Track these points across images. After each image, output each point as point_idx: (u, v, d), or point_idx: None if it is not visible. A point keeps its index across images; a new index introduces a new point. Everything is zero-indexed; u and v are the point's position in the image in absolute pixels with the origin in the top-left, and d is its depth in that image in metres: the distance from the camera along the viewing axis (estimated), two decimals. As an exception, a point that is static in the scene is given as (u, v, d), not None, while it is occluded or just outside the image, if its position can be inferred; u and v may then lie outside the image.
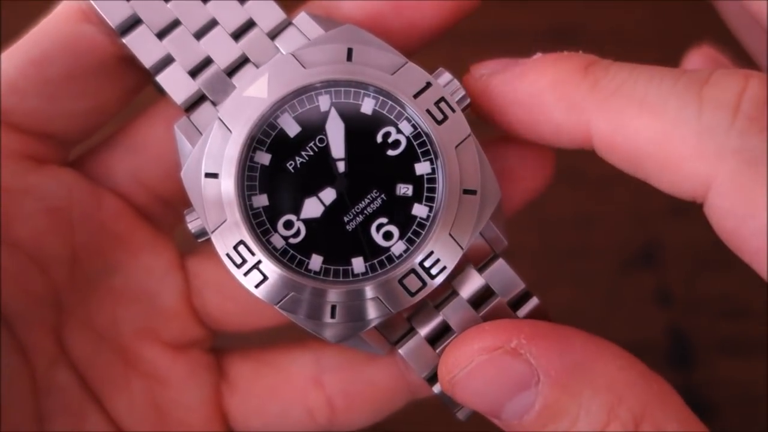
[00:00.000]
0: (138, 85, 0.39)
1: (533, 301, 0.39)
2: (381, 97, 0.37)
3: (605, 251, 0.62)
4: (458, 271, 0.38)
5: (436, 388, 0.38)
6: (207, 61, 0.38)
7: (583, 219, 0.63)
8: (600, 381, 0.32)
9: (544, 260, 0.62)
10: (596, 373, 0.33)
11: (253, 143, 0.37)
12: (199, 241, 0.37)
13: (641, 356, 0.61)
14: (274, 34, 0.38)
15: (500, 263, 0.39)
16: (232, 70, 0.38)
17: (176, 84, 0.37)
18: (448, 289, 0.38)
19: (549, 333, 0.33)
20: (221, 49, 0.38)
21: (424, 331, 0.38)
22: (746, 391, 0.60)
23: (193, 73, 0.38)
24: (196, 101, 0.38)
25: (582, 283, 0.62)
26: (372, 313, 0.37)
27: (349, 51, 0.37)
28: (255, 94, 0.36)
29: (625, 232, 0.63)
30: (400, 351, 0.38)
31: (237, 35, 0.38)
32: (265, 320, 0.41)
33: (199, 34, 0.38)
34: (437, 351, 0.38)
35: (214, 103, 0.38)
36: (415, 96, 0.36)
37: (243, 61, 0.38)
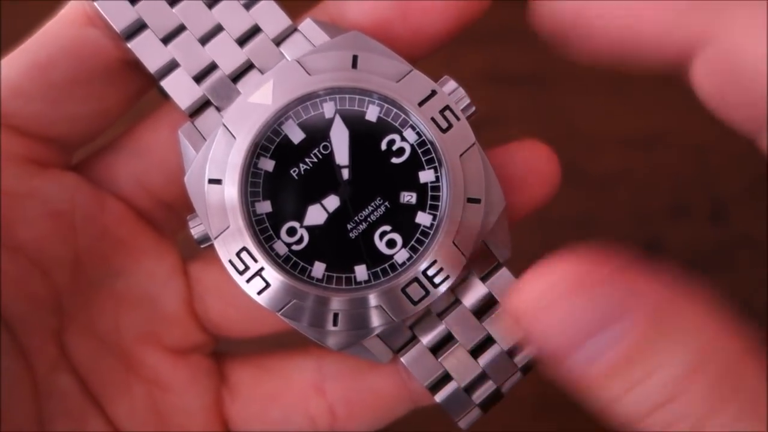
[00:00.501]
0: (141, 89, 0.39)
1: None
2: (386, 105, 0.37)
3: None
4: (461, 280, 0.38)
5: (438, 397, 0.38)
6: (212, 67, 0.38)
7: (583, 219, 0.63)
8: (690, 328, 0.28)
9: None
10: (687, 321, 0.28)
11: (257, 150, 0.36)
12: (202, 247, 0.37)
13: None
14: (279, 40, 0.38)
15: (504, 272, 0.38)
16: (237, 76, 0.38)
17: (181, 89, 0.37)
18: (451, 298, 0.38)
19: (641, 269, 0.29)
20: (226, 54, 0.37)
21: (426, 339, 0.38)
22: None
23: (198, 78, 0.37)
24: (201, 107, 0.38)
25: (582, 283, 0.62)
26: (374, 321, 0.37)
27: (354, 58, 0.36)
28: (259, 100, 0.36)
29: (625, 232, 0.63)
30: (402, 359, 0.38)
31: (242, 41, 0.38)
32: (267, 327, 0.41)
33: (204, 40, 0.37)
34: (439, 360, 0.38)
35: (218, 109, 0.37)
36: (420, 104, 0.36)
37: (248, 67, 0.38)
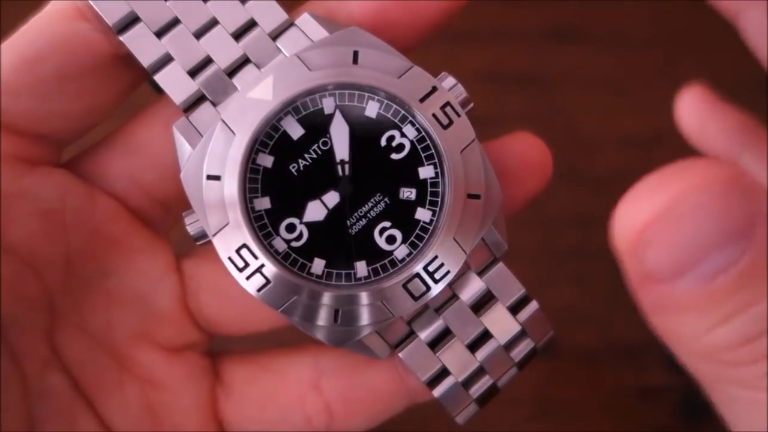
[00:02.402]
0: (133, 84, 0.38)
1: (532, 305, 0.39)
2: (386, 101, 0.37)
3: (605, 251, 0.61)
4: (458, 276, 0.38)
5: (436, 392, 0.39)
6: (207, 61, 0.37)
7: (583, 219, 0.63)
8: None
9: (544, 260, 0.62)
10: None
11: (256, 145, 0.36)
12: (198, 244, 0.37)
13: (641, 356, 0.62)
14: (275, 35, 0.37)
15: (500, 267, 0.39)
16: (233, 71, 0.37)
17: (175, 84, 0.37)
18: (449, 293, 0.38)
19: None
20: (222, 48, 0.37)
21: (424, 334, 0.38)
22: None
23: (193, 72, 0.37)
24: (196, 101, 0.37)
25: (582, 283, 0.62)
26: (374, 317, 0.37)
27: (355, 54, 0.36)
28: (259, 96, 0.36)
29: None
30: (401, 355, 0.38)
31: (238, 35, 0.37)
32: (263, 323, 0.41)
33: (199, 34, 0.37)
34: (437, 354, 0.38)
35: (214, 104, 0.37)
36: (422, 100, 0.36)
37: (244, 62, 0.37)
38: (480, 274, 0.39)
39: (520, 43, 0.67)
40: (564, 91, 0.66)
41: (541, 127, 0.59)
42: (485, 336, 0.39)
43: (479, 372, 0.39)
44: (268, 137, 0.36)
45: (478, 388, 0.39)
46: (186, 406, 0.40)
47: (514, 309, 0.39)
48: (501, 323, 0.39)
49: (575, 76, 0.67)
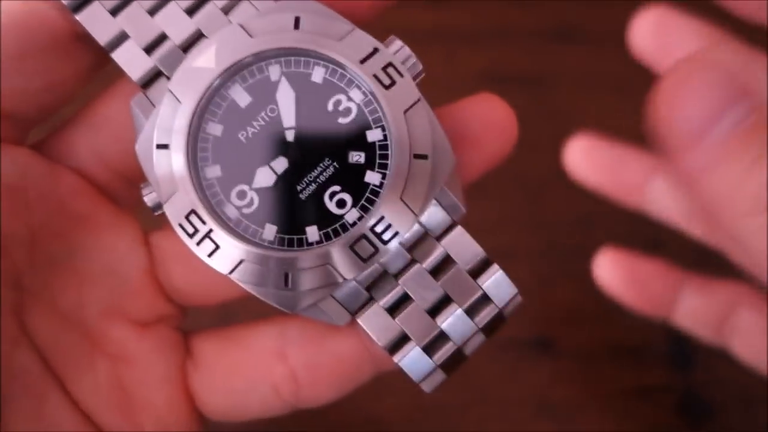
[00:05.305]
0: (95, 63, 0.39)
1: (494, 269, 0.38)
2: (331, 66, 0.37)
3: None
4: (417, 241, 0.38)
5: (397, 358, 0.38)
6: (162, 38, 0.38)
7: (583, 219, 0.63)
8: None
9: (544, 260, 0.62)
10: None
11: (204, 114, 0.37)
12: (156, 214, 0.37)
13: (642, 356, 0.61)
14: (228, 9, 0.38)
15: (458, 231, 0.38)
16: (188, 46, 0.38)
17: (132, 61, 0.38)
18: (407, 259, 0.38)
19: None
20: (176, 24, 0.38)
21: (383, 300, 0.38)
22: (746, 391, 0.59)
23: (149, 49, 0.38)
24: (152, 77, 0.38)
25: (582, 283, 0.61)
26: (326, 280, 0.37)
27: (297, 19, 0.37)
28: (203, 64, 0.37)
29: (625, 231, 0.63)
30: (359, 320, 0.38)
31: (191, 11, 0.38)
32: (232, 291, 0.40)
33: (153, 11, 0.38)
34: (396, 320, 0.38)
35: (169, 79, 0.38)
36: (362, 61, 0.36)
37: (198, 37, 0.38)
38: (438, 238, 0.38)
39: (520, 43, 0.68)
40: (564, 91, 0.66)
41: (541, 127, 0.59)
42: (445, 301, 0.38)
43: (441, 337, 0.38)
44: (216, 106, 0.37)
45: (441, 355, 0.38)
46: (157, 380, 0.41)
47: (475, 273, 0.38)
48: (460, 287, 0.38)
49: (575, 76, 0.67)
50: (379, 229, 0.36)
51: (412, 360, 0.38)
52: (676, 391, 0.59)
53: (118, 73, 0.39)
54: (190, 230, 0.36)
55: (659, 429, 0.59)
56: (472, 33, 0.65)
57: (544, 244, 0.62)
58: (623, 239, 0.60)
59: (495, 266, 0.38)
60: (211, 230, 0.36)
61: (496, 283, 0.38)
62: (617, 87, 0.66)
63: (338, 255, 0.36)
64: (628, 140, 0.57)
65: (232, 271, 0.36)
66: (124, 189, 0.41)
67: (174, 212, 0.36)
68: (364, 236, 0.36)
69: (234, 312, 0.43)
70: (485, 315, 0.38)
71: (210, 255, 0.36)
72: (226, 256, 0.36)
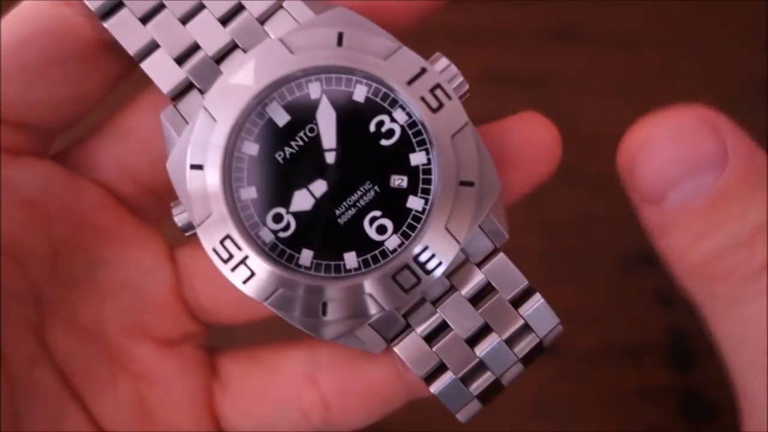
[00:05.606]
0: (122, 71, 0.38)
1: (536, 298, 0.37)
2: (374, 84, 0.35)
3: (605, 251, 0.61)
4: (457, 267, 0.37)
5: (434, 388, 0.37)
6: (194, 48, 0.36)
7: (583, 219, 0.62)
8: None
9: (544, 260, 0.61)
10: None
11: (240, 133, 0.35)
12: (187, 234, 0.36)
13: (642, 357, 0.61)
14: (263, 19, 0.36)
15: (500, 258, 0.37)
16: (221, 57, 0.36)
17: (162, 72, 0.36)
18: (447, 285, 0.37)
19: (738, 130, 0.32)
20: (209, 34, 0.36)
21: (420, 328, 0.37)
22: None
23: (180, 60, 0.36)
24: (184, 89, 0.36)
25: (582, 283, 0.61)
26: (365, 310, 0.35)
27: (340, 35, 0.35)
28: (241, 81, 0.35)
29: (625, 232, 0.62)
30: (396, 349, 0.37)
31: (225, 20, 0.36)
32: (260, 311, 0.39)
33: (185, 19, 0.36)
34: (434, 349, 0.37)
35: (201, 92, 0.36)
36: (409, 82, 0.35)
37: (232, 48, 0.36)
38: (479, 265, 0.37)
39: (520, 43, 0.67)
40: (564, 91, 0.66)
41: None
42: (485, 330, 0.37)
43: (479, 367, 0.37)
44: (253, 124, 0.35)
45: (479, 385, 0.37)
46: (180, 400, 0.40)
47: (516, 302, 0.37)
48: (501, 317, 0.37)
49: (575, 76, 0.67)
50: (423, 258, 0.35)
51: (449, 390, 0.37)
52: (676, 391, 0.59)
53: (145, 80, 0.37)
54: (225, 256, 0.34)
55: (660, 429, 0.59)
56: (472, 33, 0.65)
57: (544, 244, 0.62)
58: (623, 239, 0.60)
59: (537, 295, 0.37)
60: (246, 257, 0.34)
61: (538, 313, 0.37)
62: (617, 87, 0.65)
63: (379, 285, 0.35)
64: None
65: (268, 299, 0.35)
66: (150, 202, 0.39)
67: (208, 237, 0.35)
68: (407, 266, 0.35)
69: (263, 329, 0.41)
70: (525, 345, 0.37)
71: (245, 282, 0.35)
72: (261, 282, 0.35)
